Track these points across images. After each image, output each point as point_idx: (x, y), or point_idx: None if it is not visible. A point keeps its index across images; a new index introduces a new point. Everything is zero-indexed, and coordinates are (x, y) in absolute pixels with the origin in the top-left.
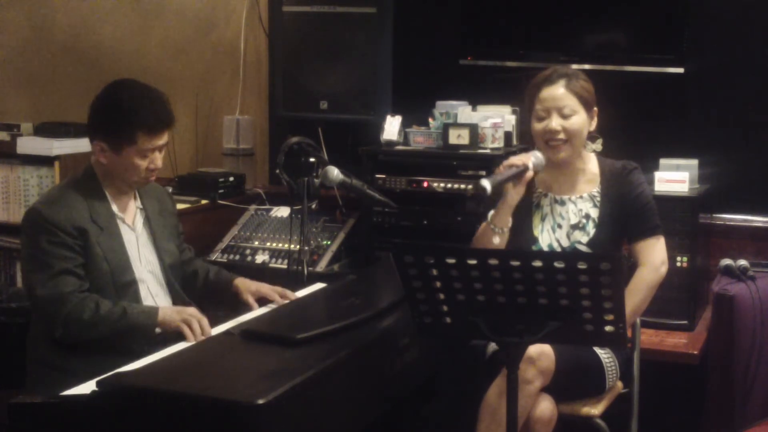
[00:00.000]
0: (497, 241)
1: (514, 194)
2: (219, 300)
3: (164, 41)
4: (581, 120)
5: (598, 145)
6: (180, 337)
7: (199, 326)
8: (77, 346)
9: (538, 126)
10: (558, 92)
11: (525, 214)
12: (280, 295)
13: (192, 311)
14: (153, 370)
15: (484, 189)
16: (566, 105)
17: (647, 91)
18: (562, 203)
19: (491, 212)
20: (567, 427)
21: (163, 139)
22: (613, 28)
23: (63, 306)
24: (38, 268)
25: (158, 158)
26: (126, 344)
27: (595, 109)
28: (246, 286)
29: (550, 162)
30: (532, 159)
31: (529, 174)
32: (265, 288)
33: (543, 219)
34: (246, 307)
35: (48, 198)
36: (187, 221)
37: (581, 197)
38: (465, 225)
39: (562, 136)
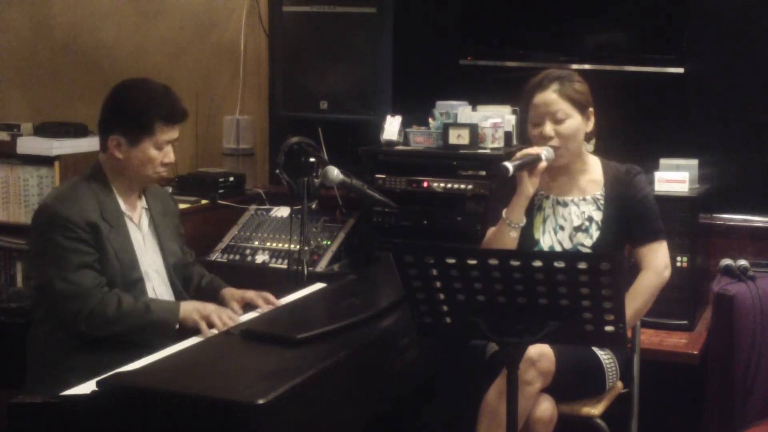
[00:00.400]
0: (514, 235)
1: (529, 185)
2: None
3: (164, 41)
4: (575, 123)
5: (590, 146)
6: (192, 333)
7: (220, 321)
8: (77, 345)
9: (533, 131)
10: (550, 98)
11: (526, 216)
12: (264, 300)
13: (213, 308)
14: (153, 370)
15: (507, 170)
16: (559, 110)
17: (647, 91)
18: (564, 205)
19: (504, 210)
20: (567, 427)
21: (177, 132)
22: (613, 28)
23: (87, 301)
24: (55, 263)
25: (171, 153)
26: (145, 339)
27: (591, 109)
28: (230, 294)
29: (550, 167)
30: (544, 152)
31: (542, 165)
32: (249, 294)
33: (544, 221)
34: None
35: (59, 194)
36: (187, 221)
37: (584, 199)
38: (465, 225)
39: (555, 142)
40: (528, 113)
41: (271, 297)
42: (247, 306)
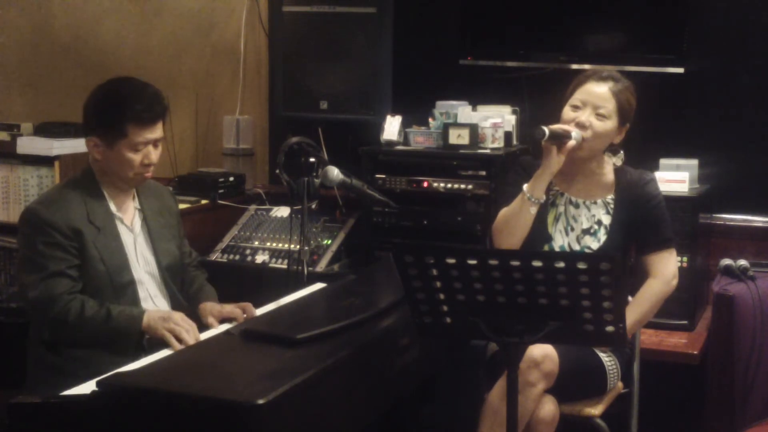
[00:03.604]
0: (534, 211)
1: (555, 161)
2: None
3: (164, 41)
4: (611, 126)
5: (618, 159)
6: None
7: (185, 334)
8: (74, 347)
9: (570, 114)
10: (603, 91)
11: (542, 208)
12: (242, 310)
13: (178, 318)
14: (153, 370)
15: (543, 132)
16: (604, 106)
17: (647, 91)
18: (576, 206)
19: (526, 185)
20: (567, 427)
21: (155, 133)
22: (613, 28)
23: (51, 308)
24: (32, 270)
25: (152, 153)
26: (114, 347)
27: (628, 125)
28: (208, 309)
29: (566, 160)
30: (574, 132)
31: (571, 143)
32: (228, 308)
33: (557, 219)
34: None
35: (45, 198)
36: (187, 221)
37: (595, 203)
38: (465, 225)
39: (587, 133)
40: (572, 96)
41: (249, 307)
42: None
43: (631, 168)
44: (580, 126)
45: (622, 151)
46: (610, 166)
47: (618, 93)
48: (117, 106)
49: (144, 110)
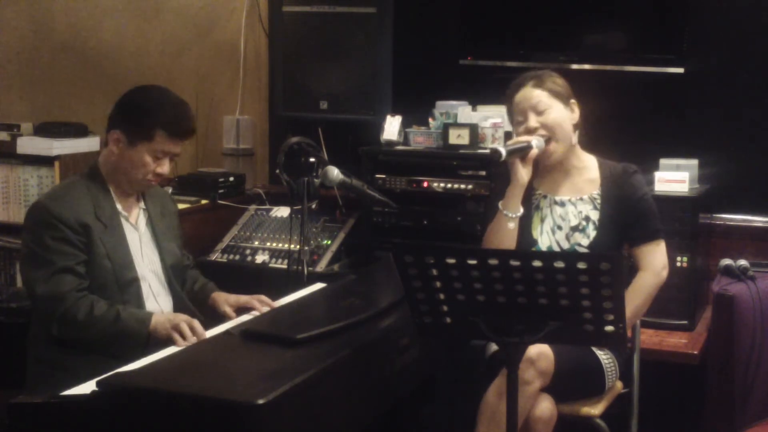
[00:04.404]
0: (512, 226)
1: (523, 173)
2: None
3: (164, 41)
4: (558, 113)
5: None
6: (162, 344)
7: (190, 331)
8: (77, 345)
9: (518, 129)
10: (529, 92)
11: (525, 215)
12: (259, 302)
13: (183, 318)
14: (153, 370)
15: (500, 154)
16: (539, 101)
17: (647, 91)
18: (562, 204)
19: (500, 202)
20: (567, 427)
21: (177, 148)
22: (613, 28)
23: (60, 304)
24: (39, 265)
25: (166, 165)
26: (119, 348)
27: (573, 101)
28: (224, 298)
29: (545, 165)
30: (534, 140)
31: (534, 152)
32: (243, 298)
33: (542, 221)
34: (223, 319)
35: (53, 193)
36: (187, 221)
37: (581, 199)
38: (465, 225)
39: (542, 132)
40: (512, 119)
41: (265, 298)
42: (241, 309)
43: (615, 162)
44: (531, 131)
45: (577, 131)
46: (592, 160)
47: (543, 85)
48: (154, 110)
49: (177, 123)
